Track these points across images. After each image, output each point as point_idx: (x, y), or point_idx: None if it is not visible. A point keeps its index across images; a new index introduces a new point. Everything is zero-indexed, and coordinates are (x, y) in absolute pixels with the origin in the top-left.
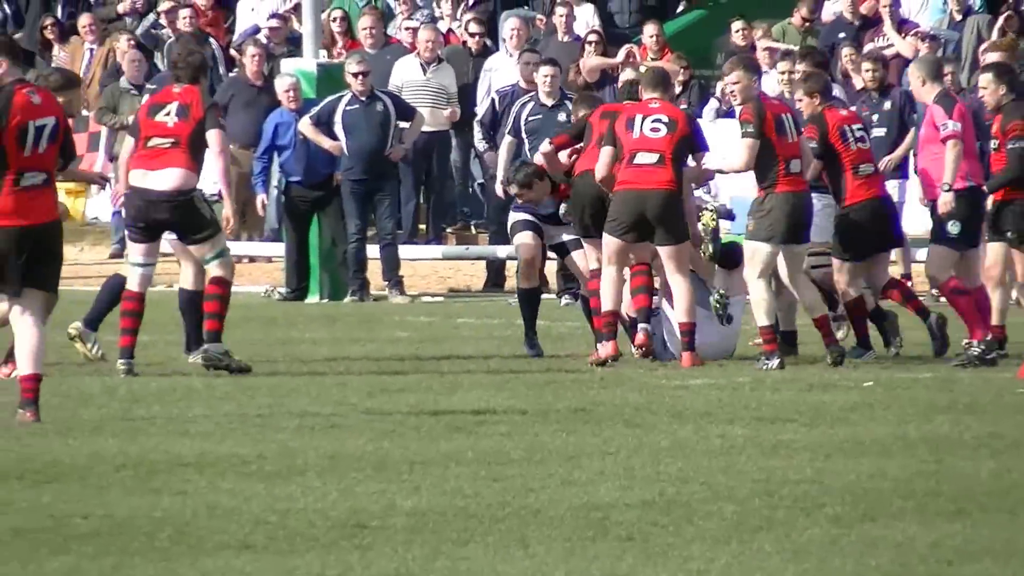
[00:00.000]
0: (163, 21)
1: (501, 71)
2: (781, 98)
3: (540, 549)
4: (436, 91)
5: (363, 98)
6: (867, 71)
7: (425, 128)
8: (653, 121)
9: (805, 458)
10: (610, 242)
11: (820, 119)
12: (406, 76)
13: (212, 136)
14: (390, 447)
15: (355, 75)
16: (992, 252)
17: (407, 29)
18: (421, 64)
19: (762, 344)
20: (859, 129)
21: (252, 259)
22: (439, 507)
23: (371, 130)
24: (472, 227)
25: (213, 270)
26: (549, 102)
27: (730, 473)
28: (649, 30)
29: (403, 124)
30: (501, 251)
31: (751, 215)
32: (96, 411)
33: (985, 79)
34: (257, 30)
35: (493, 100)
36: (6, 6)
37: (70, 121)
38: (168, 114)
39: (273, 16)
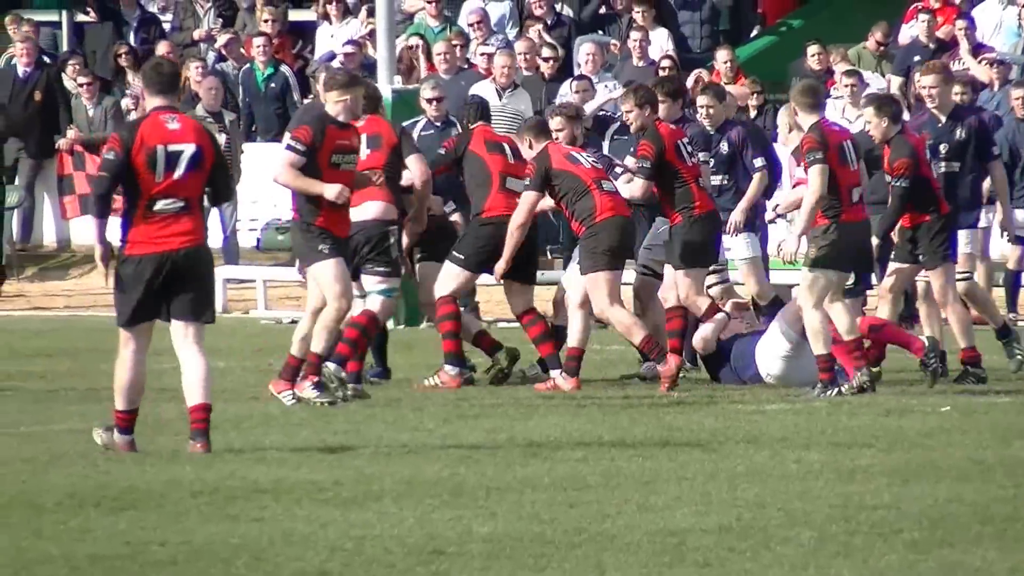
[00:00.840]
0: (224, 54)
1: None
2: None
3: (616, 575)
4: (512, 117)
5: (438, 124)
6: (956, 94)
7: None
8: (586, 155)
9: (882, 483)
10: (615, 278)
11: (656, 135)
12: None
13: (413, 161)
14: (466, 473)
15: (430, 101)
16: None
17: (482, 55)
18: (496, 90)
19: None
20: (688, 143)
21: None
22: (515, 533)
23: None
24: (548, 253)
25: (371, 303)
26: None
27: (807, 498)
28: (722, 56)
29: None
30: None
31: (813, 242)
32: (173, 438)
33: (868, 113)
34: (332, 56)
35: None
36: (55, 52)
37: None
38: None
39: (348, 43)
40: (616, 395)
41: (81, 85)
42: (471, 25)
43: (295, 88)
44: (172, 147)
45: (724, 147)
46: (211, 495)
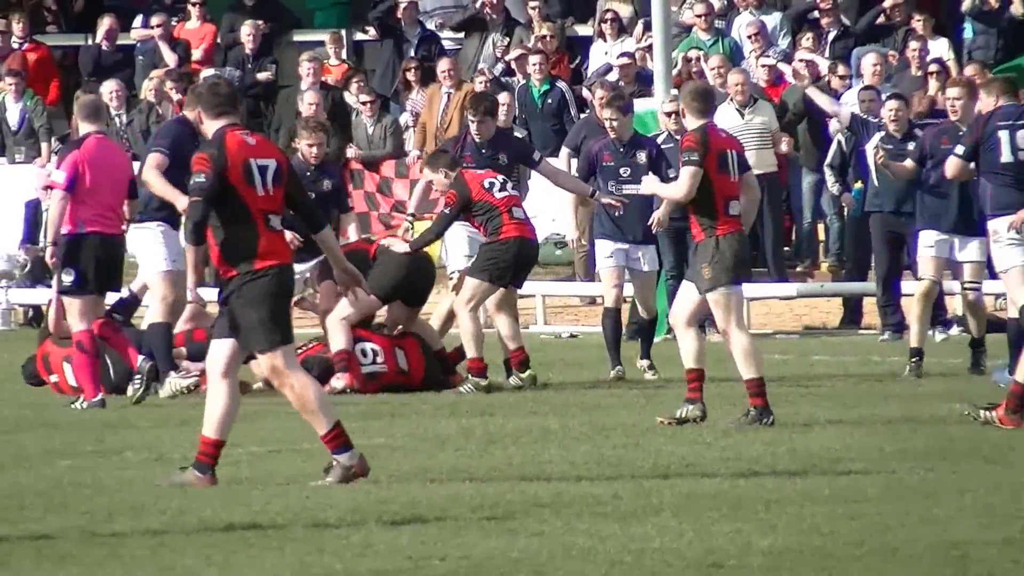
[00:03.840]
0: (514, 67)
1: (855, 107)
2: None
3: None
4: (758, 132)
5: (677, 137)
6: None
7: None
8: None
9: None
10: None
11: (461, 182)
12: (725, 123)
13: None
14: (746, 486)
15: (668, 114)
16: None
17: (762, 66)
18: (736, 108)
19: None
20: (501, 181)
21: (592, 300)
22: (795, 546)
23: None
24: (833, 263)
25: None
26: (898, 135)
27: None
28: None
29: None
30: (857, 287)
31: (707, 262)
32: (453, 453)
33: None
34: (609, 69)
35: (839, 141)
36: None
37: None
38: None
39: (623, 55)
40: (897, 406)
41: (364, 103)
42: (749, 37)
43: (572, 103)
44: (259, 161)
45: None
46: (491, 509)
